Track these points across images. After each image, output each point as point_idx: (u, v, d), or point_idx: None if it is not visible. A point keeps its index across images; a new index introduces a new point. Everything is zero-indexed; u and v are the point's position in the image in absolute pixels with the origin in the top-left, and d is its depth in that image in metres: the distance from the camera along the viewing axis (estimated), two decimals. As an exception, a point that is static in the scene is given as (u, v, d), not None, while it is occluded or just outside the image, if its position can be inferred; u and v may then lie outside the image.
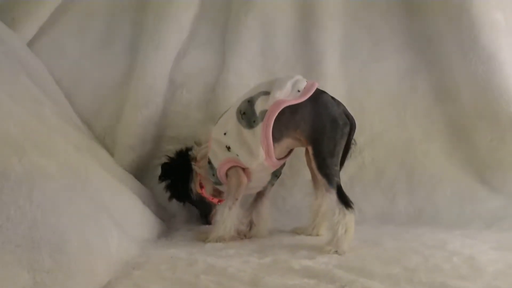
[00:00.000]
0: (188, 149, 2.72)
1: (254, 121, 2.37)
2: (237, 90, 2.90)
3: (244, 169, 2.50)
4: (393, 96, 3.08)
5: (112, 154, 2.89)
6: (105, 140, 3.04)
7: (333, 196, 2.27)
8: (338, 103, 2.41)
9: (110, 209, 2.09)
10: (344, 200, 2.27)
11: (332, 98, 2.41)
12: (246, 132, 2.39)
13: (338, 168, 2.36)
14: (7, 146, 1.77)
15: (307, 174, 2.69)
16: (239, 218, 2.53)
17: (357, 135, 2.59)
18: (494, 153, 2.86)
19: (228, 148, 2.47)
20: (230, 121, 2.46)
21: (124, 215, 2.25)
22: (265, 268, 1.93)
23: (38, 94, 2.56)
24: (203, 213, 2.85)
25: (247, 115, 2.40)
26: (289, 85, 2.38)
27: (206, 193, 2.73)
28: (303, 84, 2.40)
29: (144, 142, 2.98)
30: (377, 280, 1.77)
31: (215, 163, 2.54)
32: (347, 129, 2.37)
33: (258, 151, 2.37)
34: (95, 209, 1.96)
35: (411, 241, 2.35)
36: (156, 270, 1.93)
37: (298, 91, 2.37)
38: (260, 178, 2.58)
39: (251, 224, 2.63)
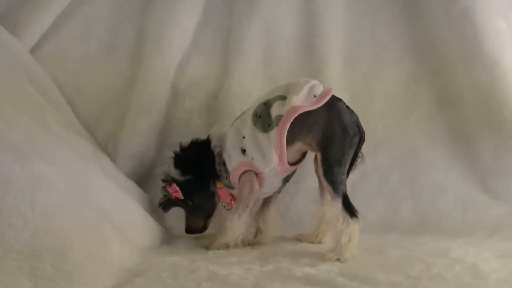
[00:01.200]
0: (205, 142, 2.65)
1: (269, 125, 2.39)
2: (240, 97, 2.91)
3: (257, 175, 2.50)
4: (396, 104, 3.08)
5: (114, 161, 2.87)
6: (107, 147, 3.01)
7: (338, 204, 2.28)
8: (352, 113, 2.42)
9: (112, 216, 2.10)
10: (349, 209, 2.27)
11: (347, 106, 2.42)
12: (260, 136, 2.41)
13: (345, 177, 2.36)
14: (9, 153, 1.77)
15: (310, 181, 2.72)
16: (247, 226, 2.54)
17: None
18: (497, 160, 2.86)
19: (244, 151, 2.47)
20: (248, 124, 2.47)
21: (126, 222, 2.25)
22: (267, 276, 1.94)
23: (41, 101, 2.55)
24: (198, 215, 2.70)
25: (262, 118, 2.41)
26: (305, 89, 2.38)
27: (225, 189, 2.66)
28: (319, 89, 2.40)
29: (147, 149, 2.97)
30: (380, 288, 1.78)
31: (229, 166, 2.53)
32: (356, 140, 2.39)
33: (271, 156, 2.39)
34: (97, 216, 1.96)
35: (414, 249, 2.35)
36: (158, 277, 1.93)
37: (315, 96, 2.37)
38: (272, 184, 2.59)
39: (257, 231, 2.64)
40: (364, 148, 2.79)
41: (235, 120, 2.62)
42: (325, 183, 2.34)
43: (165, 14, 3.10)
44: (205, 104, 3.08)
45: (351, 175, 2.60)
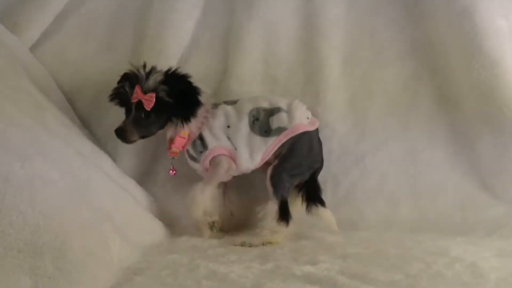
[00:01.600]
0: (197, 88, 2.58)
1: (265, 132, 2.57)
2: (239, 96, 2.89)
3: None
4: (395, 103, 3.07)
5: (114, 160, 2.87)
6: (107, 145, 3.01)
7: (274, 206, 2.48)
8: (321, 144, 2.70)
9: (112, 215, 2.10)
10: (284, 214, 2.49)
11: (319, 137, 2.68)
12: (254, 137, 2.56)
13: (289, 186, 2.56)
14: (9, 152, 1.78)
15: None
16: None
17: (359, 142, 2.75)
18: (497, 160, 2.86)
19: (229, 139, 2.58)
20: (242, 120, 2.59)
21: (126, 220, 2.25)
22: (267, 274, 1.93)
23: (41, 99, 2.56)
24: (139, 131, 2.55)
25: (260, 122, 2.58)
26: (303, 109, 2.63)
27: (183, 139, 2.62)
28: (309, 113, 2.66)
29: (146, 148, 2.95)
30: (380, 287, 1.78)
31: (210, 143, 2.57)
32: (316, 165, 2.67)
33: (258, 157, 2.56)
34: (97, 215, 1.97)
35: (413, 248, 2.34)
36: (158, 276, 1.92)
37: (308, 118, 2.61)
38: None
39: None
40: (363, 148, 2.86)
41: (220, 103, 2.71)
42: (269, 184, 2.52)
43: (165, 13, 3.10)
44: (204, 102, 3.08)
45: (350, 173, 2.77)
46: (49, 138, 2.15)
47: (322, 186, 2.75)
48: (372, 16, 3.23)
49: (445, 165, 2.97)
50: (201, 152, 2.57)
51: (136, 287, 1.82)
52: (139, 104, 2.45)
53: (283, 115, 2.57)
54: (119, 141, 2.80)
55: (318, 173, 2.70)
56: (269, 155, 2.57)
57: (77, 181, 2.05)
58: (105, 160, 2.66)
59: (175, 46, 3.11)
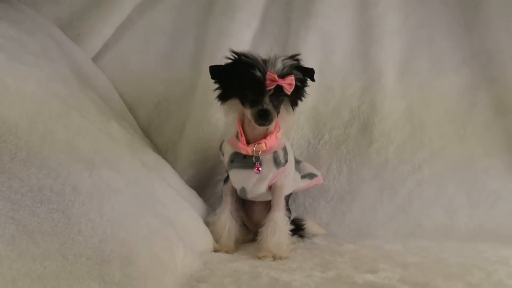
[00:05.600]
0: None
1: (299, 173, 2.80)
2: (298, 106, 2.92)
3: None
4: (453, 112, 3.09)
5: (174, 168, 2.88)
6: (167, 154, 3.07)
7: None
8: None
9: (175, 224, 2.11)
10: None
11: None
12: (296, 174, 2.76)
13: None
14: (78, 161, 1.81)
15: (366, 189, 2.74)
16: None
17: (416, 151, 2.80)
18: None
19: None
20: (293, 160, 2.66)
21: (188, 229, 2.27)
22: (329, 283, 1.93)
23: (105, 109, 2.61)
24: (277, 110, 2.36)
25: (296, 168, 2.74)
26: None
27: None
28: None
29: (206, 158, 2.99)
30: (442, 296, 1.78)
31: (290, 156, 2.54)
32: None
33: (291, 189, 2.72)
34: (162, 222, 1.98)
35: (473, 257, 2.33)
36: (221, 283, 1.92)
37: None
38: None
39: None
40: (421, 156, 2.87)
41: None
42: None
43: (225, 23, 3.12)
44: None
45: (407, 182, 2.85)
46: (115, 147, 2.18)
47: (379, 194, 2.89)
48: (429, 26, 3.23)
49: (502, 174, 2.97)
50: (287, 161, 2.52)
51: (201, 294, 1.84)
52: (277, 87, 2.29)
53: (306, 165, 2.92)
54: (179, 151, 2.86)
55: None
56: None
57: (142, 189, 2.08)
58: (167, 170, 2.68)
59: (235, 55, 3.12)
